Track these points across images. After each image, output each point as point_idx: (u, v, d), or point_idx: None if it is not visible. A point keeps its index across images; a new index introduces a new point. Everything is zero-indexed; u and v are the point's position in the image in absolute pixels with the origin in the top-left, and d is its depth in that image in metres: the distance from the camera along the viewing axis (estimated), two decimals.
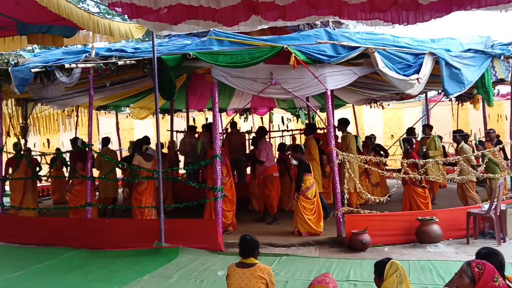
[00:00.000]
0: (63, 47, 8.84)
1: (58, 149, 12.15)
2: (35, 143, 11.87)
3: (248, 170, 11.07)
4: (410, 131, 10.54)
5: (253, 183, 9.63)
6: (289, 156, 9.01)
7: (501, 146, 9.04)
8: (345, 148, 8.70)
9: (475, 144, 9.38)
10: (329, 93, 7.51)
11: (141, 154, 8.27)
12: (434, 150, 9.30)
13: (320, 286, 3.26)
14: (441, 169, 8.93)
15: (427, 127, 10.35)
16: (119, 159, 11.59)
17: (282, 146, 10.11)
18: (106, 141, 10.36)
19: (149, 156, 8.30)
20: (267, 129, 9.84)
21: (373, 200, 7.76)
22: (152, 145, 9.69)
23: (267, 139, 9.96)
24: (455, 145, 9.41)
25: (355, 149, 8.83)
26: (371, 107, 14.36)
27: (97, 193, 10.02)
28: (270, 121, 15.19)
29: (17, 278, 6.05)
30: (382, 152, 10.53)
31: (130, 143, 10.01)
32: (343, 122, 9.36)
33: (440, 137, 10.16)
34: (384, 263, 3.46)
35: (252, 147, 10.47)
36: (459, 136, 9.14)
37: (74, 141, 9.53)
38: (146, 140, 9.22)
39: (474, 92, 11.13)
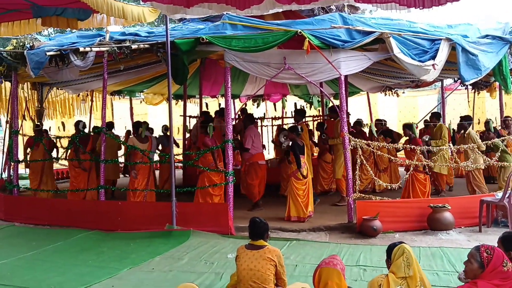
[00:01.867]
0: (78, 30, 8.90)
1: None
2: (50, 127, 12.01)
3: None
4: (436, 115, 10.32)
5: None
6: (282, 138, 8.92)
7: None
8: (337, 134, 8.67)
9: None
10: (342, 78, 7.44)
11: (136, 136, 8.43)
12: (439, 139, 9.12)
13: (327, 268, 3.27)
14: (447, 158, 8.73)
15: (435, 116, 10.15)
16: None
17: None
18: (109, 125, 10.48)
19: (145, 138, 8.45)
20: (255, 117, 9.71)
21: (379, 185, 7.71)
22: None
23: (256, 126, 9.85)
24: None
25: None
26: (385, 94, 14.21)
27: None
28: (283, 107, 15.13)
29: (31, 257, 6.19)
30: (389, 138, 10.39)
31: (136, 123, 10.06)
32: (335, 111, 9.25)
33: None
34: (395, 246, 3.47)
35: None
36: (467, 123, 9.03)
37: (76, 124, 9.67)
38: (141, 124, 9.25)
39: (491, 80, 10.94)
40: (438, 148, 8.48)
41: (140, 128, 8.55)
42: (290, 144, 7.95)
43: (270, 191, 9.48)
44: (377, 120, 11.40)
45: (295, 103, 14.97)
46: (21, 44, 8.34)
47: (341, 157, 8.48)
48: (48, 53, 7.63)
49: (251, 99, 15.26)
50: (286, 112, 15.24)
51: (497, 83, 10.88)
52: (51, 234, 7.52)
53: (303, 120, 9.51)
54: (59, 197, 9.12)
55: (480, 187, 8.57)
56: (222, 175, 7.88)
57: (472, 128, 8.97)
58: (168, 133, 10.42)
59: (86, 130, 10.13)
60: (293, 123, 9.84)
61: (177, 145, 11.68)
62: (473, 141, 8.50)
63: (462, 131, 9.07)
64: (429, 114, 10.65)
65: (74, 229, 7.62)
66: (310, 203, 7.73)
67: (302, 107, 15.25)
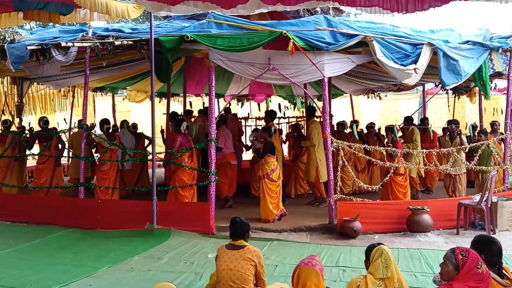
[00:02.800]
0: (61, 25, 8.77)
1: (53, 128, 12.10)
2: (29, 122, 11.80)
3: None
4: (408, 119, 10.42)
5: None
6: (251, 138, 8.97)
7: (502, 137, 9.02)
8: (309, 137, 8.81)
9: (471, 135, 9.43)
10: (326, 80, 7.48)
11: (104, 133, 8.48)
12: (411, 142, 9.16)
13: (306, 268, 3.28)
14: (418, 162, 8.81)
15: (407, 120, 10.16)
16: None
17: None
18: (105, 122, 10.37)
19: (112, 136, 8.55)
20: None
21: (359, 186, 7.81)
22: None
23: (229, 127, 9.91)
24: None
25: (321, 137, 8.72)
26: (368, 97, 14.35)
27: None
28: (267, 107, 15.16)
29: (7, 255, 6.07)
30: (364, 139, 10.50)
31: (121, 122, 10.05)
32: (312, 112, 9.40)
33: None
34: (374, 247, 3.50)
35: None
36: (455, 126, 9.17)
37: (39, 120, 9.59)
38: (106, 121, 9.25)
39: (471, 85, 11.15)
40: (411, 151, 8.57)
41: (105, 125, 8.68)
42: (259, 144, 7.95)
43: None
44: (351, 121, 11.49)
45: (279, 104, 15.00)
46: (1, 37, 8.18)
47: (314, 159, 8.64)
48: (29, 47, 7.50)
49: (235, 99, 15.24)
50: (284, 113, 15.26)
51: (477, 88, 11.10)
52: (28, 231, 7.39)
53: (273, 121, 9.63)
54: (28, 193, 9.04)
55: (461, 191, 8.69)
56: (193, 175, 7.87)
57: (460, 132, 9.10)
58: (138, 131, 10.46)
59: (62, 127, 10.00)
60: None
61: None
62: (461, 144, 8.60)
63: (448, 134, 9.20)
64: (415, 116, 10.82)
65: (52, 226, 7.50)
66: (280, 205, 7.76)
67: (286, 108, 15.34)
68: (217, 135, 8.59)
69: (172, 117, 10.05)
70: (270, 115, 9.90)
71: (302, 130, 10.91)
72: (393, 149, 8.02)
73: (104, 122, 8.82)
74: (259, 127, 11.06)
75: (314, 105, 9.56)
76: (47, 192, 8.84)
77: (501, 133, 9.56)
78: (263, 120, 14.16)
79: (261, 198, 7.73)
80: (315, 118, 9.31)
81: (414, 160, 8.72)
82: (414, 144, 9.05)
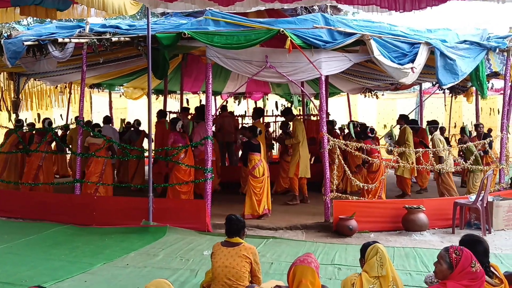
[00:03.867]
0: (57, 20, 8.74)
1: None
2: (26, 118, 11.76)
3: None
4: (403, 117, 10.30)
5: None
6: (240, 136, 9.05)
7: (490, 139, 9.07)
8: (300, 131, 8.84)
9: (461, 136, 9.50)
10: (323, 78, 7.49)
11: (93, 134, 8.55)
12: (403, 142, 9.05)
13: (302, 265, 3.28)
14: (411, 162, 8.75)
15: (402, 118, 9.87)
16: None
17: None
18: (107, 120, 10.51)
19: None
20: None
21: (352, 185, 7.88)
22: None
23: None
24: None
25: (304, 134, 8.88)
26: (365, 96, 14.36)
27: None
28: (264, 105, 15.15)
29: (2, 251, 6.05)
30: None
31: (121, 121, 10.08)
32: (288, 113, 9.60)
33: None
34: (369, 245, 3.50)
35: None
36: (432, 127, 9.20)
37: (43, 121, 9.77)
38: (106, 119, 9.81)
39: (468, 85, 11.17)
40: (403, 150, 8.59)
41: (96, 128, 8.85)
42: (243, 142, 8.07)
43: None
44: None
45: (276, 102, 15.00)
46: None
47: (296, 156, 8.72)
48: (25, 43, 7.47)
49: (232, 97, 15.23)
50: (267, 111, 15.26)
51: (473, 88, 11.13)
52: (24, 227, 7.38)
53: (261, 119, 9.70)
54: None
55: (449, 190, 8.68)
56: (190, 172, 7.90)
57: (445, 132, 9.15)
58: (140, 128, 10.50)
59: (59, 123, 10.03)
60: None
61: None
62: (436, 145, 8.65)
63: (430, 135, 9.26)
64: (412, 115, 10.83)
65: (48, 223, 7.49)
66: (265, 202, 7.77)
67: (283, 106, 15.35)
68: (194, 130, 8.66)
69: (159, 114, 10.06)
70: (258, 113, 9.87)
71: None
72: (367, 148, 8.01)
73: (95, 125, 9.05)
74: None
75: (311, 104, 9.58)
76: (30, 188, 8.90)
77: (486, 134, 9.64)
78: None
79: (246, 193, 7.81)
80: (297, 117, 9.45)
81: (406, 160, 8.67)
82: (406, 144, 8.97)
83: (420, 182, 10.20)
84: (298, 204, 8.73)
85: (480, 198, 6.97)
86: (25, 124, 10.10)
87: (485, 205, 7.02)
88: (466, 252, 2.91)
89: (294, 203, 8.70)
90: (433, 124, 9.75)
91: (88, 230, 7.12)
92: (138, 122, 10.68)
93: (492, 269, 3.27)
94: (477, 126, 9.99)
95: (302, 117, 12.77)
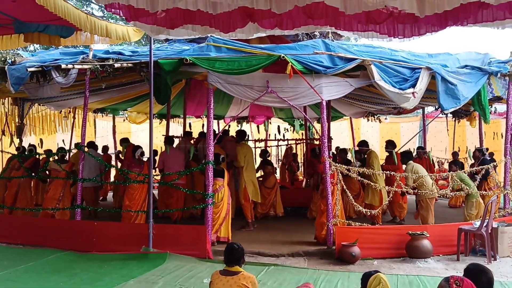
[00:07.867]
0: (61, 47, 8.85)
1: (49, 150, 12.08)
2: (29, 143, 11.80)
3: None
4: (362, 143, 9.91)
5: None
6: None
7: (492, 164, 8.97)
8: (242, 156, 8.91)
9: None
10: (324, 103, 7.49)
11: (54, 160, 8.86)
12: (368, 165, 8.77)
13: None
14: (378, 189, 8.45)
15: (389, 143, 9.60)
16: (113, 162, 11.63)
17: (313, 151, 10.13)
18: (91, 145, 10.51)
19: (62, 160, 9.06)
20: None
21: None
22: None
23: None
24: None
25: (248, 157, 9.01)
26: (368, 120, 14.36)
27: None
28: (265, 129, 15.18)
29: (1, 278, 5.99)
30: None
31: (120, 141, 10.04)
32: (241, 136, 9.68)
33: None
34: (370, 275, 3.43)
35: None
36: (423, 152, 9.11)
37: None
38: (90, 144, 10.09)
39: (470, 109, 11.15)
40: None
41: (60, 153, 9.13)
42: None
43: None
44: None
45: (278, 126, 15.03)
46: (2, 59, 8.24)
47: (241, 181, 8.85)
48: (29, 69, 7.55)
49: (235, 121, 15.27)
50: (269, 135, 15.28)
51: (477, 112, 11.08)
52: (23, 253, 7.32)
53: (243, 140, 9.69)
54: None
55: (425, 218, 7.98)
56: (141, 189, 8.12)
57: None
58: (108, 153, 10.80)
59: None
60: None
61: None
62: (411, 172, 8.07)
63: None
64: (416, 139, 10.81)
65: (48, 249, 7.43)
66: (221, 228, 7.64)
67: (286, 130, 15.37)
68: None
69: (166, 140, 10.04)
70: (240, 135, 9.75)
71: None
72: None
73: (60, 149, 9.29)
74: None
75: (313, 129, 9.59)
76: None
77: (484, 159, 9.60)
78: (262, 142, 14.25)
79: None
80: (243, 142, 9.56)
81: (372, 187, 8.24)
82: (371, 168, 8.56)
83: (397, 213, 9.26)
84: (252, 230, 8.69)
85: (484, 224, 6.86)
86: (26, 150, 10.02)
87: (489, 231, 6.91)
88: (467, 282, 2.85)
89: (247, 229, 8.68)
90: (422, 149, 9.63)
91: (87, 256, 7.04)
92: (142, 153, 10.43)
93: None
94: (476, 151, 9.88)
95: (254, 141, 13.57)
